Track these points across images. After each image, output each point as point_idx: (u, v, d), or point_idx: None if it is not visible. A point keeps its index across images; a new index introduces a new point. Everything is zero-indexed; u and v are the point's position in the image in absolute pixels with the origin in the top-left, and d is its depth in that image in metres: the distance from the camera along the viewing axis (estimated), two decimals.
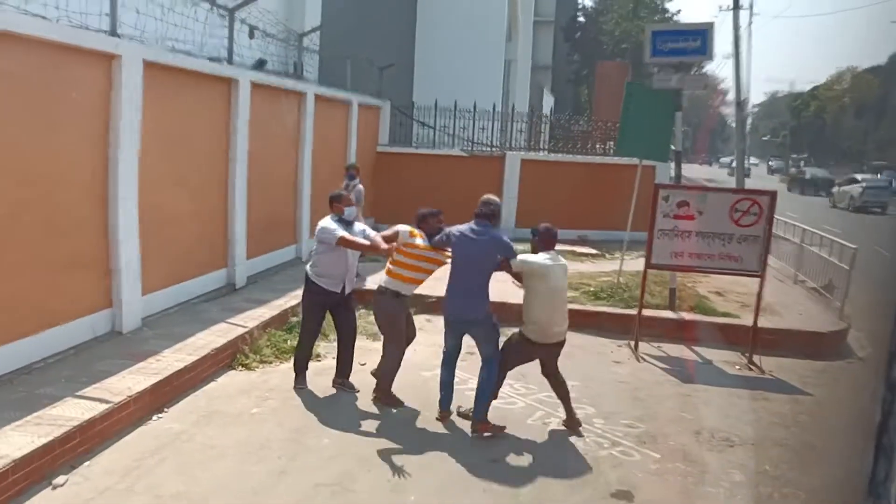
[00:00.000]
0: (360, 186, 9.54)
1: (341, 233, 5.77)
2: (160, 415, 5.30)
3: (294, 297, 8.12)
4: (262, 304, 7.77)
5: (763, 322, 7.74)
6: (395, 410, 5.66)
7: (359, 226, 6.16)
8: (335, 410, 5.61)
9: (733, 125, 28.01)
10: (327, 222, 5.88)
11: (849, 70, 61.87)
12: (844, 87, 61.13)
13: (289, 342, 7.00)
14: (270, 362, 6.60)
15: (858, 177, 30.68)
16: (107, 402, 4.88)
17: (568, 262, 10.76)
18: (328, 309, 6.11)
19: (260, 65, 9.31)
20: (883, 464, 0.69)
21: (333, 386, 6.07)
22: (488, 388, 5.31)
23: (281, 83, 9.70)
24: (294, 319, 7.58)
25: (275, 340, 6.98)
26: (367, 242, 5.81)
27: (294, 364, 6.16)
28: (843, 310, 8.75)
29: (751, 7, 31.49)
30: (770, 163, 61.21)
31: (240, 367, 6.41)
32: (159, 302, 7.14)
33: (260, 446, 4.87)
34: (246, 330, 6.80)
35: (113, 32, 6.32)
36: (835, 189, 31.19)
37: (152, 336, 6.42)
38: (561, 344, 5.35)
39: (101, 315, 6.28)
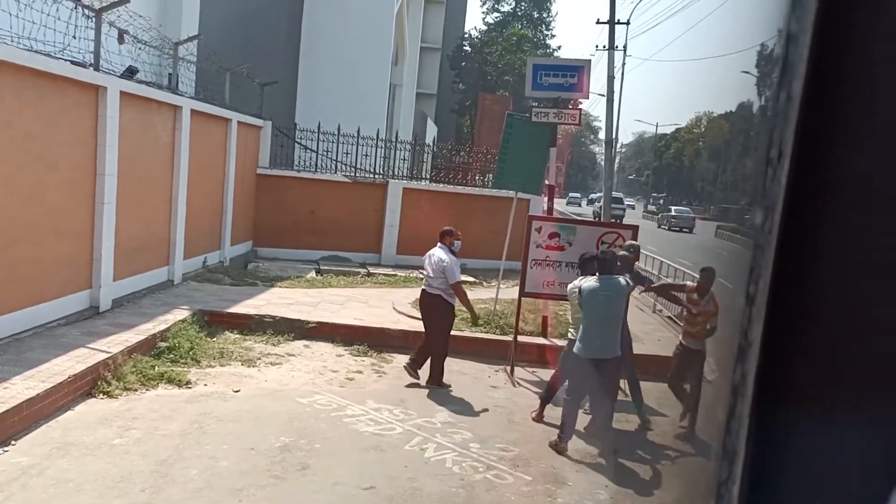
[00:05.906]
0: None
1: (461, 277, 7.12)
2: (6, 448, 4.83)
3: (163, 322, 7.70)
4: (128, 329, 7.31)
5: None
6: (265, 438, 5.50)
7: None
8: (203, 441, 5.35)
9: (602, 163, 29.80)
10: (451, 257, 6.98)
11: (706, 115, 67.51)
12: (701, 130, 66.70)
13: (156, 368, 6.63)
14: (135, 390, 6.20)
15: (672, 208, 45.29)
16: None
17: None
18: None
19: (130, 73, 8.78)
20: (725, 466, 0.73)
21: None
22: None
23: (154, 94, 9.25)
24: (163, 345, 7.19)
25: (141, 367, 6.56)
26: (468, 302, 7.22)
27: (439, 378, 7.15)
28: None
29: (625, 48, 33.70)
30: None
31: (101, 395, 5.98)
32: (9, 326, 6.53)
33: (121, 479, 4.56)
34: (109, 355, 6.37)
35: None
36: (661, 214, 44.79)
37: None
38: None
39: None
